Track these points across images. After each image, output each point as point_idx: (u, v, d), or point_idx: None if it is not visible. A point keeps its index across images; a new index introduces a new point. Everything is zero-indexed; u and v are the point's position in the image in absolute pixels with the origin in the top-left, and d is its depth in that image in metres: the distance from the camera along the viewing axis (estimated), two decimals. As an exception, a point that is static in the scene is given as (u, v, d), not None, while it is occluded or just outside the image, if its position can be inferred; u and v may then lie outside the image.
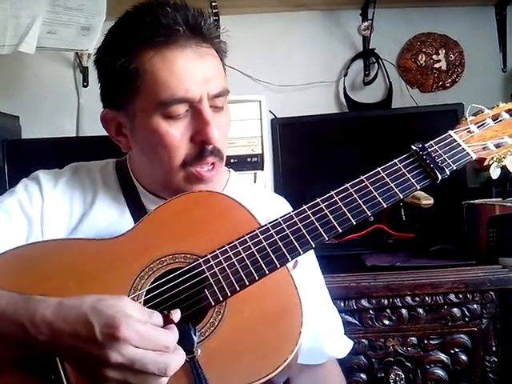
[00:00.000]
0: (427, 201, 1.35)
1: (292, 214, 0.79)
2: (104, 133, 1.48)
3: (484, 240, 1.34)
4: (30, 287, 0.70)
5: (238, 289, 0.73)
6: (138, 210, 0.91)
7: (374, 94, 2.02)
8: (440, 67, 2.02)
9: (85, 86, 1.99)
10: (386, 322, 1.28)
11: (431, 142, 0.84)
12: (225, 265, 0.75)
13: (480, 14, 1.98)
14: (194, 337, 0.69)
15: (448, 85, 2.01)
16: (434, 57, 2.02)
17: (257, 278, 0.74)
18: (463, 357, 1.28)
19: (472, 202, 1.41)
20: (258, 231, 0.77)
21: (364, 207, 0.78)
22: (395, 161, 0.82)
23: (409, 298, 1.27)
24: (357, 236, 1.60)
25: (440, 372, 1.28)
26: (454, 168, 0.81)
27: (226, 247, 0.76)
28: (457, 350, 1.28)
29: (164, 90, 0.81)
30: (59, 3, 1.61)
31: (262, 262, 0.75)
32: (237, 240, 0.77)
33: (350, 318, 1.27)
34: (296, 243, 0.76)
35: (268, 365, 0.69)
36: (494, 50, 1.97)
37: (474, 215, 1.39)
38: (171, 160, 0.85)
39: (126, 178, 0.96)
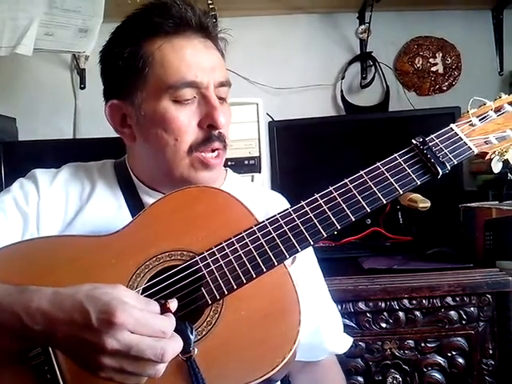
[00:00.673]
0: (424, 204, 1.35)
1: (290, 210, 0.78)
2: (101, 134, 1.49)
3: (481, 243, 1.34)
4: (24, 284, 0.69)
5: (235, 287, 0.73)
6: (135, 205, 0.91)
7: (371, 97, 2.02)
8: (437, 70, 2.02)
9: (82, 88, 1.99)
10: (383, 325, 1.28)
11: (432, 136, 0.82)
12: (222, 262, 0.74)
13: (477, 17, 1.99)
14: (190, 336, 0.68)
15: (445, 88, 2.02)
16: (430, 60, 2.03)
17: (254, 275, 0.73)
18: (460, 360, 1.28)
19: (469, 205, 1.42)
20: (255, 228, 0.76)
21: (363, 203, 0.77)
22: (395, 155, 0.81)
23: (406, 301, 1.27)
24: (354, 239, 1.61)
25: (437, 375, 1.28)
26: (455, 162, 0.80)
27: (223, 244, 0.75)
28: (454, 353, 1.28)
29: (174, 74, 0.84)
30: (56, 5, 1.60)
31: (259, 260, 0.74)
32: (234, 237, 0.76)
33: (348, 321, 1.26)
34: (294, 240, 0.75)
35: (266, 364, 0.68)
36: (490, 53, 1.98)
37: (471, 218, 1.39)
38: (178, 145, 0.86)
39: (124, 174, 0.96)
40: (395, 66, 2.05)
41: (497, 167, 0.84)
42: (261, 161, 1.52)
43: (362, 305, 1.27)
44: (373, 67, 2.00)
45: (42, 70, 1.99)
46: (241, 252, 0.75)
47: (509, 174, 1.36)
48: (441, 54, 2.02)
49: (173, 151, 0.86)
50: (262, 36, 2.02)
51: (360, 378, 1.29)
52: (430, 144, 0.80)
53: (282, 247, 0.75)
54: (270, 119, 1.79)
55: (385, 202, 0.78)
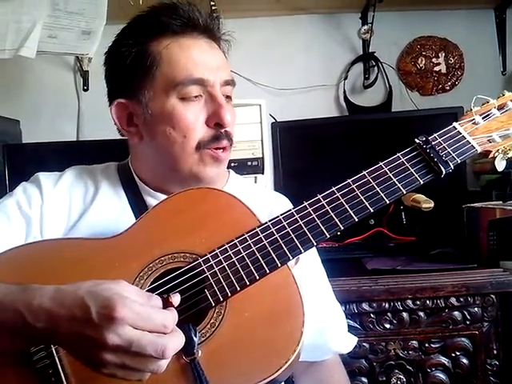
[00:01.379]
0: (428, 204, 1.35)
1: (293, 211, 0.77)
2: (104, 136, 1.49)
3: (484, 243, 1.34)
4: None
5: (238, 289, 0.72)
6: (139, 207, 0.91)
7: (373, 98, 2.02)
8: (440, 70, 2.02)
9: (85, 90, 1.99)
10: (387, 326, 1.28)
11: (435, 135, 0.81)
12: (225, 264, 0.74)
13: (479, 17, 1.99)
14: (194, 338, 0.68)
15: (448, 88, 2.01)
16: (433, 60, 2.02)
17: (257, 277, 0.73)
18: (464, 360, 1.28)
19: (472, 205, 1.41)
20: (258, 229, 0.76)
21: (366, 203, 0.77)
22: (398, 155, 0.80)
23: (410, 302, 1.27)
24: (357, 239, 1.61)
25: (441, 375, 1.28)
26: (459, 161, 0.79)
27: (226, 246, 0.75)
28: (458, 354, 1.28)
29: (182, 71, 0.86)
30: (60, 7, 1.61)
31: (262, 261, 0.74)
32: (237, 239, 0.76)
33: (351, 322, 1.26)
34: (297, 241, 0.75)
35: (270, 365, 0.68)
36: (493, 52, 1.98)
37: (475, 218, 1.39)
38: (186, 142, 0.87)
39: (127, 176, 0.96)
40: (398, 66, 2.04)
41: (500, 165, 0.83)
42: (264, 162, 1.52)
43: (365, 305, 1.27)
44: (376, 67, 2.01)
45: (46, 72, 2.00)
46: (244, 254, 0.74)
47: (512, 174, 1.36)
48: (443, 54, 2.02)
49: (181, 148, 0.87)
50: (265, 37, 2.02)
51: (364, 379, 1.29)
52: (433, 143, 0.80)
53: (285, 248, 0.74)
54: (273, 120, 1.79)
55: (388, 202, 0.77)
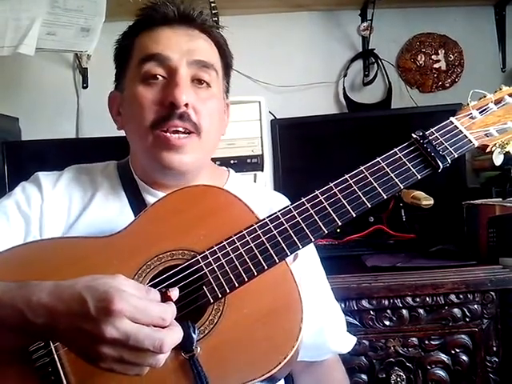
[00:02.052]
0: (427, 201, 1.35)
1: (290, 207, 0.77)
2: (103, 134, 1.49)
3: (484, 240, 1.34)
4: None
5: (236, 285, 0.72)
6: (138, 205, 0.91)
7: (373, 95, 2.02)
8: (439, 67, 2.02)
9: (84, 88, 1.99)
10: (387, 323, 1.28)
11: (432, 130, 0.81)
12: (223, 261, 0.74)
13: (479, 13, 1.99)
14: (193, 335, 0.68)
15: (447, 85, 2.01)
16: (433, 57, 2.02)
17: (255, 273, 0.73)
18: (464, 357, 1.28)
19: (472, 202, 1.41)
20: (256, 226, 0.76)
21: (364, 199, 0.77)
22: (395, 150, 0.80)
23: (409, 299, 1.27)
24: (357, 237, 1.60)
25: (441, 372, 1.28)
26: (456, 156, 0.79)
27: (224, 243, 0.75)
28: (457, 351, 1.28)
29: (142, 50, 0.89)
30: (58, 5, 1.60)
31: (260, 258, 0.74)
32: (235, 235, 0.76)
33: (351, 319, 1.26)
34: (295, 237, 0.75)
35: (269, 361, 0.68)
36: (493, 49, 1.97)
37: (474, 215, 1.39)
38: (141, 121, 0.87)
39: (127, 174, 0.97)
40: (398, 63, 2.04)
41: (498, 160, 0.83)
42: (263, 159, 1.51)
43: (365, 303, 1.27)
44: (375, 64, 2.00)
45: (45, 69, 2.00)
46: (242, 250, 0.74)
47: (512, 171, 1.36)
48: (443, 51, 2.01)
49: (139, 128, 0.88)
50: (264, 34, 2.02)
51: (364, 376, 1.29)
52: (430, 138, 0.80)
53: (282, 244, 0.74)
54: (273, 117, 1.79)
55: (385, 197, 0.77)
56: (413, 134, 0.81)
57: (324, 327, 0.95)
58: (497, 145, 0.82)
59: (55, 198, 0.92)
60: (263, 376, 0.68)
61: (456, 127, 0.82)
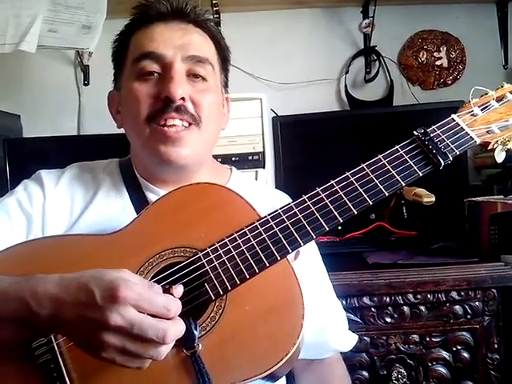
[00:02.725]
0: (429, 198, 1.35)
1: (292, 204, 0.77)
2: (105, 131, 1.49)
3: (486, 237, 1.34)
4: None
5: (238, 282, 0.72)
6: (140, 203, 0.91)
7: (375, 92, 2.02)
8: (441, 64, 2.01)
9: (86, 85, 1.99)
10: (388, 320, 1.28)
11: (433, 127, 0.81)
12: (224, 258, 0.74)
13: (481, 10, 1.98)
14: (194, 332, 0.69)
15: (449, 82, 2.01)
16: (435, 54, 2.02)
17: (257, 270, 0.73)
18: (465, 354, 1.28)
19: (474, 199, 1.41)
20: (257, 223, 0.76)
21: (365, 196, 0.76)
22: (397, 147, 0.80)
23: (411, 296, 1.26)
24: (358, 234, 1.60)
25: (442, 369, 1.28)
26: (458, 153, 0.79)
27: (226, 240, 0.75)
28: (459, 348, 1.28)
29: (137, 48, 0.90)
30: (60, 2, 1.61)
31: (262, 255, 0.74)
32: (236, 233, 0.76)
33: (352, 316, 1.27)
34: (296, 235, 0.75)
35: (270, 358, 0.68)
36: (495, 46, 1.97)
37: (476, 213, 1.39)
38: (137, 115, 0.87)
39: (129, 172, 0.97)
40: (399, 60, 2.04)
41: (500, 157, 0.83)
42: (265, 156, 1.51)
43: (366, 299, 1.27)
44: (377, 61, 2.00)
45: (46, 66, 2.00)
46: (243, 247, 0.74)
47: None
48: (445, 48, 2.01)
49: (134, 124, 0.89)
50: (266, 31, 2.02)
51: (365, 373, 1.29)
52: (432, 135, 0.80)
53: (284, 242, 0.75)
54: (274, 114, 1.79)
55: (387, 195, 0.77)
56: (414, 132, 0.81)
57: (325, 326, 0.95)
58: (499, 142, 0.82)
59: (57, 196, 0.92)
60: (265, 373, 0.68)
61: (457, 124, 0.82)
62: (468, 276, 1.25)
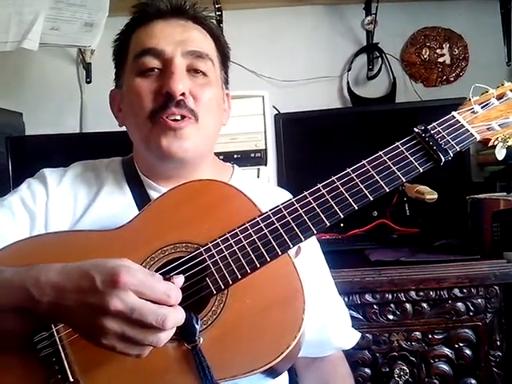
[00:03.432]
0: (431, 195, 1.35)
1: (293, 200, 0.78)
2: (107, 129, 1.49)
3: (488, 234, 1.33)
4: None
5: (239, 277, 0.73)
6: (142, 201, 0.91)
7: (377, 89, 2.02)
8: (444, 61, 2.01)
9: (88, 83, 2.00)
10: (391, 317, 1.28)
11: (434, 124, 0.82)
12: (226, 253, 0.74)
13: (484, 7, 1.97)
14: (196, 325, 0.69)
15: (452, 79, 2.00)
16: (437, 51, 2.01)
17: (258, 265, 0.73)
18: (468, 351, 1.28)
19: (476, 196, 1.41)
20: (258, 218, 0.77)
21: (366, 192, 0.77)
22: (397, 144, 0.81)
23: (413, 293, 1.27)
24: (361, 231, 1.60)
25: (444, 367, 1.28)
26: (458, 149, 0.80)
27: (227, 235, 0.76)
28: (461, 345, 1.28)
29: (138, 45, 0.90)
30: (62, -1, 1.61)
31: (263, 250, 0.74)
32: (238, 228, 0.76)
33: (355, 313, 1.27)
34: (297, 230, 0.75)
35: (271, 352, 0.69)
36: (498, 43, 1.96)
37: (479, 210, 1.38)
38: (139, 112, 0.88)
39: (131, 171, 0.97)
40: (402, 57, 2.03)
41: (501, 154, 0.83)
42: (267, 154, 1.51)
43: (368, 297, 1.27)
44: (379, 58, 1.99)
45: (48, 64, 2.00)
46: (245, 242, 0.75)
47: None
48: (448, 45, 2.01)
49: (136, 120, 0.89)
50: (268, 28, 2.01)
51: (367, 370, 1.29)
52: (432, 132, 0.80)
53: (285, 237, 0.75)
54: (276, 112, 1.79)
55: (388, 191, 0.77)
56: (415, 128, 0.81)
57: (327, 323, 0.95)
58: (499, 139, 0.82)
59: (60, 195, 0.92)
60: (265, 366, 0.68)
61: (458, 121, 0.82)
62: (470, 273, 1.25)
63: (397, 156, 0.79)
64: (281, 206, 0.78)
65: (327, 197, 0.77)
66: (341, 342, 0.99)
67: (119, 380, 0.69)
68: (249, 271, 0.73)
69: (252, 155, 1.50)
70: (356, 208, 0.76)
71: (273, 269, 0.74)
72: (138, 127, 0.90)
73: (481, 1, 1.98)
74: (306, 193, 0.78)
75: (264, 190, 1.02)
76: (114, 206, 0.92)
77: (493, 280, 1.25)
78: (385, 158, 0.79)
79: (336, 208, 0.76)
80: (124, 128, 0.96)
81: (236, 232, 0.76)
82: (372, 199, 0.77)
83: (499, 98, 0.85)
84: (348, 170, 0.79)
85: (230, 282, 0.73)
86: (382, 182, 0.77)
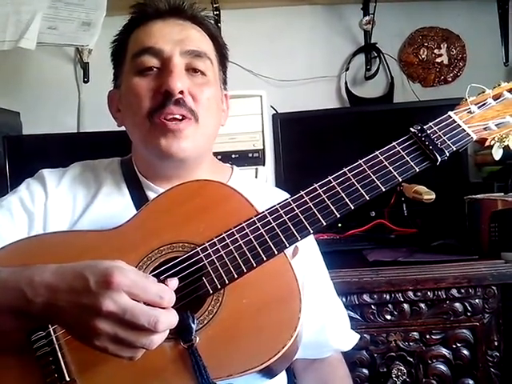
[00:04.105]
0: (429, 196, 1.35)
1: (289, 200, 0.78)
2: (105, 128, 1.49)
3: (486, 235, 1.34)
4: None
5: (235, 276, 0.73)
6: (141, 202, 0.91)
7: (375, 89, 2.02)
8: (442, 61, 2.01)
9: (85, 82, 1.99)
10: (388, 317, 1.28)
11: (430, 124, 0.82)
12: (222, 252, 0.74)
13: (482, 7, 1.97)
14: (192, 325, 0.69)
15: (450, 79, 2.01)
16: (435, 51, 2.01)
17: (255, 264, 0.73)
18: (465, 352, 1.28)
19: (474, 196, 1.41)
20: (255, 218, 0.77)
21: (362, 191, 0.77)
22: (394, 143, 0.81)
23: (411, 293, 1.27)
24: (358, 231, 1.60)
25: (442, 367, 1.28)
26: (454, 149, 0.80)
27: (224, 235, 0.76)
28: (459, 345, 1.28)
29: (136, 45, 0.90)
30: (59, -2, 1.60)
31: (259, 249, 0.74)
32: (234, 227, 0.76)
33: (352, 313, 1.27)
34: (293, 229, 0.75)
35: (267, 351, 0.69)
36: (496, 43, 1.96)
37: (476, 210, 1.38)
38: (138, 111, 0.88)
39: (130, 171, 0.97)
40: (400, 57, 2.03)
41: (497, 154, 0.83)
42: (265, 153, 1.51)
43: (366, 297, 1.27)
44: (377, 58, 2.00)
45: (46, 63, 2.00)
46: (241, 242, 0.75)
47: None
48: (446, 45, 2.01)
49: (135, 119, 0.89)
50: (266, 28, 2.01)
51: (365, 370, 1.29)
52: (429, 131, 0.80)
53: (281, 236, 0.75)
54: (274, 112, 1.79)
55: (384, 190, 0.78)
56: (411, 128, 0.82)
57: (326, 325, 0.95)
58: (495, 138, 0.82)
59: (59, 196, 0.92)
60: (262, 365, 0.68)
61: (454, 121, 0.82)
62: (468, 273, 1.25)
63: (393, 156, 0.80)
64: (277, 206, 0.78)
65: (323, 196, 0.77)
66: (339, 343, 0.99)
67: (116, 379, 0.69)
68: (245, 270, 0.73)
69: (250, 155, 1.50)
70: (352, 207, 0.77)
71: (269, 268, 0.74)
72: (136, 127, 0.90)
73: (479, 1, 1.98)
74: (302, 192, 0.78)
75: (262, 190, 1.02)
76: (113, 206, 0.92)
77: (490, 280, 1.25)
78: (381, 157, 0.80)
79: (332, 207, 0.76)
80: (122, 127, 0.96)
81: (232, 232, 0.76)
82: (368, 199, 0.77)
83: (496, 98, 0.85)
84: (344, 169, 0.79)
85: (227, 282, 0.73)
86: (378, 182, 0.78)
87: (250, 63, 1.94)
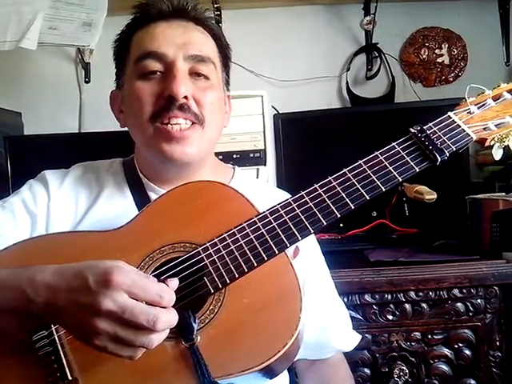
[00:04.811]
0: (430, 196, 1.35)
1: (290, 200, 0.78)
2: (106, 128, 1.49)
3: (487, 235, 1.33)
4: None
5: (236, 276, 0.73)
6: (143, 203, 0.91)
7: (376, 89, 2.01)
8: (443, 61, 2.01)
9: (87, 82, 1.99)
10: (390, 317, 1.28)
11: (430, 124, 0.82)
12: (223, 252, 0.75)
13: (483, 7, 1.97)
14: (193, 324, 0.70)
15: (451, 79, 2.00)
16: (436, 51, 2.01)
17: (255, 264, 0.74)
18: (467, 352, 1.28)
19: (475, 196, 1.41)
20: (256, 218, 0.77)
21: (362, 191, 0.77)
22: (393, 144, 0.81)
23: (412, 293, 1.26)
24: (360, 231, 1.60)
25: (444, 367, 1.28)
26: (454, 149, 0.80)
27: (225, 235, 0.76)
28: (461, 345, 1.28)
29: (139, 48, 0.89)
30: (60, -1, 1.60)
31: (260, 249, 0.74)
32: (235, 228, 0.77)
33: (354, 313, 1.26)
34: (294, 229, 0.76)
35: (268, 350, 0.69)
36: (497, 43, 1.95)
37: (478, 210, 1.38)
38: (141, 114, 0.88)
39: (132, 173, 0.97)
40: (401, 57, 2.03)
41: (497, 154, 0.84)
42: (266, 154, 1.51)
43: (368, 297, 1.27)
44: (378, 58, 1.99)
45: (47, 64, 2.00)
46: (242, 242, 0.75)
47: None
48: (447, 45, 2.01)
49: (138, 123, 0.89)
50: (267, 28, 2.01)
51: (367, 370, 1.29)
52: (428, 132, 0.81)
53: (282, 236, 0.75)
54: (275, 112, 1.79)
55: (384, 190, 0.78)
56: (411, 129, 0.82)
57: (327, 325, 0.95)
58: (495, 139, 0.82)
59: (62, 197, 0.93)
60: (262, 364, 0.68)
61: (454, 121, 0.83)
62: (470, 273, 1.25)
63: (393, 156, 0.80)
64: (278, 206, 0.78)
65: (324, 196, 0.78)
66: (341, 344, 0.99)
67: (118, 378, 0.69)
68: (246, 270, 0.73)
69: (251, 155, 1.50)
70: (352, 207, 0.77)
71: (270, 268, 0.74)
72: (139, 130, 0.90)
73: (480, 1, 1.97)
74: (302, 192, 0.79)
75: (263, 191, 1.02)
76: (115, 208, 0.92)
77: (492, 280, 1.25)
78: (381, 157, 0.80)
79: (333, 207, 0.77)
80: (123, 128, 0.96)
81: (233, 232, 0.76)
82: (369, 199, 0.77)
83: (495, 99, 0.86)
84: (344, 170, 0.80)
85: (228, 281, 0.73)
86: (378, 182, 0.78)
87: (251, 63, 1.94)
